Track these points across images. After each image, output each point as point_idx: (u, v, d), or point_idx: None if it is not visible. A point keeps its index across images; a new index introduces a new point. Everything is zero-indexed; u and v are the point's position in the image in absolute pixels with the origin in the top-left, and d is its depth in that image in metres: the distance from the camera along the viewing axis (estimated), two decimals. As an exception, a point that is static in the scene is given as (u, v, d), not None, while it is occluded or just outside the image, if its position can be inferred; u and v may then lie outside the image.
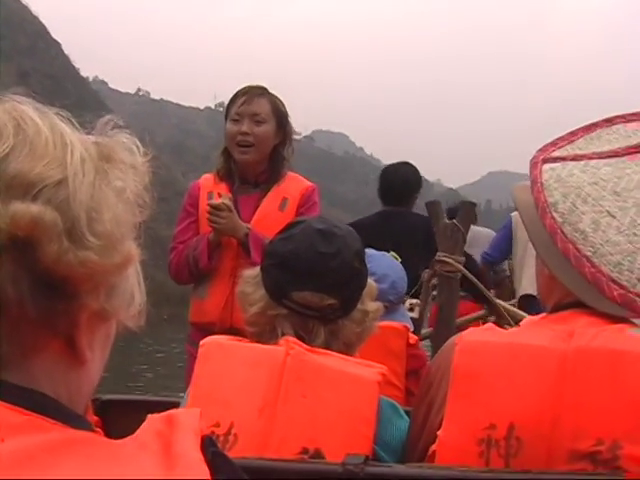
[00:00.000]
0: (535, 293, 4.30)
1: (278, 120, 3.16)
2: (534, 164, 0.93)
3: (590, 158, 0.92)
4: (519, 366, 1.38)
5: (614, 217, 0.81)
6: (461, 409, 1.40)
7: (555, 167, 0.92)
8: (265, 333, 1.67)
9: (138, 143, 0.83)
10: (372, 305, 1.74)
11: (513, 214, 4.94)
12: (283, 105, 3.22)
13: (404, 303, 3.51)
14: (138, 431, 0.71)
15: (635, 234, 0.79)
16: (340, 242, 1.67)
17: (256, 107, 3.13)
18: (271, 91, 3.24)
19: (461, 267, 3.25)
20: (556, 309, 1.51)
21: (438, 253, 3.32)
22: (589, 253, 0.79)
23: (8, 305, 0.69)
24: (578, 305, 1.41)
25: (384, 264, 2.81)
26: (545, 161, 0.93)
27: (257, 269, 1.74)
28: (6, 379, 0.71)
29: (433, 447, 1.44)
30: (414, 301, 3.58)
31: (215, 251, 3.06)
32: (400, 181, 4.43)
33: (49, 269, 0.69)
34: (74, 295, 0.72)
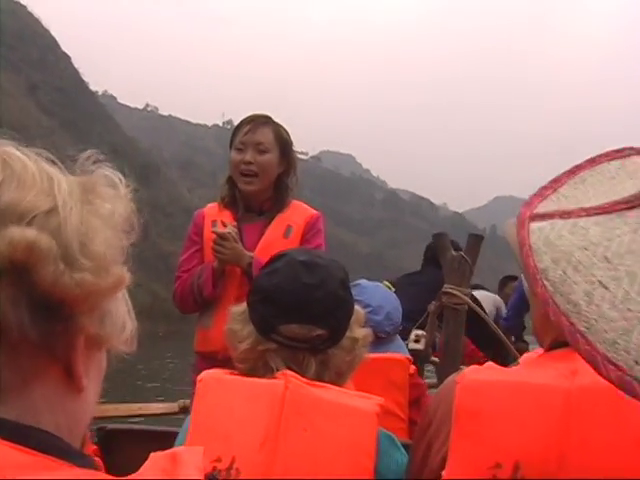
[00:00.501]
0: None
1: (282, 149, 3.16)
2: (521, 222, 0.91)
3: (578, 216, 0.90)
4: (523, 404, 1.37)
5: (607, 289, 0.79)
6: (465, 448, 1.39)
7: (543, 227, 0.90)
8: (258, 369, 1.66)
9: (120, 176, 0.84)
10: (361, 332, 1.74)
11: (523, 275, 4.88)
12: (287, 134, 3.22)
13: (409, 334, 3.52)
14: (142, 469, 0.71)
15: (629, 309, 0.77)
16: (323, 272, 1.68)
17: (260, 136, 3.13)
18: (277, 119, 3.25)
19: (468, 299, 3.25)
20: (554, 346, 1.49)
21: (445, 285, 3.32)
22: (583, 329, 0.77)
23: (9, 329, 0.70)
24: None
25: (378, 295, 2.81)
26: (532, 219, 0.92)
27: (244, 305, 1.74)
28: (7, 410, 0.72)
29: None
30: (420, 332, 3.57)
31: (219, 279, 3.06)
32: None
33: (47, 292, 0.70)
34: (71, 317, 0.74)
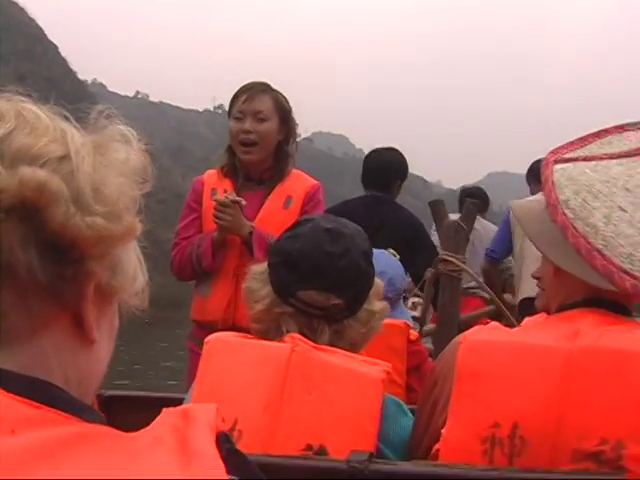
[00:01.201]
0: (534, 295, 4.28)
1: (281, 116, 3.14)
2: (545, 164, 0.94)
3: (601, 159, 0.93)
4: (524, 365, 1.38)
5: (625, 211, 0.82)
6: (465, 408, 1.41)
7: (566, 167, 0.93)
8: (270, 330, 1.67)
9: (133, 131, 0.85)
10: (378, 305, 1.74)
11: (511, 204, 4.88)
12: (286, 101, 3.19)
13: (406, 301, 3.50)
14: (153, 424, 0.71)
15: None
16: (348, 242, 1.67)
17: (258, 104, 3.10)
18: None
19: (464, 266, 3.25)
20: (561, 309, 1.51)
21: (441, 252, 3.32)
22: (600, 246, 0.80)
23: (18, 269, 0.70)
24: (583, 304, 1.43)
25: (382, 261, 2.80)
26: (556, 162, 0.94)
27: (264, 265, 1.74)
28: (15, 358, 0.72)
29: (437, 445, 1.44)
30: (416, 300, 3.57)
31: (219, 250, 3.04)
32: (384, 165, 4.27)
33: (57, 232, 0.71)
34: (81, 260, 0.74)
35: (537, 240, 1.45)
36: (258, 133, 3.09)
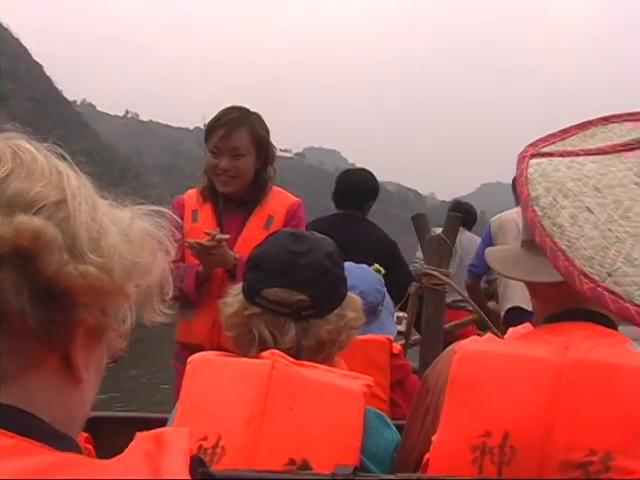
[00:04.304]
0: (519, 304, 4.28)
1: (258, 148, 3.10)
2: (522, 158, 0.94)
3: (577, 155, 0.92)
4: (516, 376, 1.39)
5: (592, 213, 0.82)
6: (457, 416, 1.41)
7: (541, 162, 0.93)
8: (243, 336, 1.70)
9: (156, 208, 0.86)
10: (352, 314, 1.76)
11: (492, 220, 4.91)
12: (263, 128, 3.15)
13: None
14: (126, 451, 0.71)
15: (610, 230, 0.79)
16: (311, 242, 1.73)
17: (235, 141, 3.07)
18: (253, 109, 3.18)
19: (448, 280, 3.24)
20: (551, 320, 1.53)
21: (425, 266, 3.32)
22: (564, 247, 0.80)
23: (10, 315, 0.70)
24: (572, 316, 1.47)
25: (354, 275, 2.80)
26: (533, 156, 0.94)
27: (240, 283, 1.79)
28: (3, 398, 0.72)
29: (428, 455, 1.44)
30: (401, 314, 3.57)
31: (203, 282, 3.05)
32: (356, 184, 4.44)
33: (50, 280, 0.71)
34: (72, 307, 0.74)
35: (499, 267, 1.47)
36: (236, 169, 3.08)
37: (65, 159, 0.81)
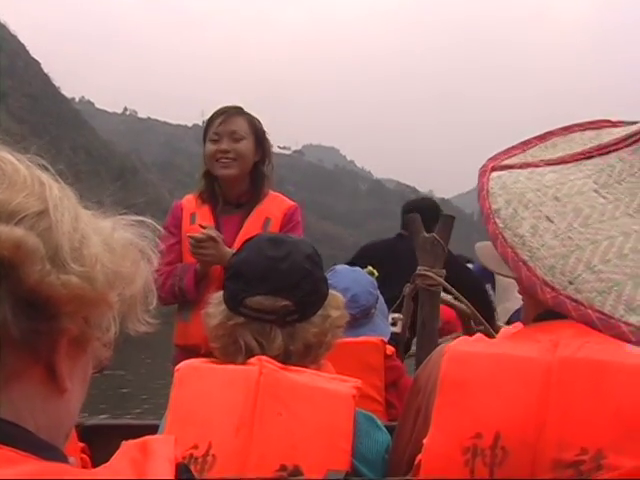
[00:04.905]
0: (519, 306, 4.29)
1: (256, 137, 3.17)
2: (482, 172, 0.94)
3: (537, 166, 0.92)
4: (506, 376, 1.39)
5: (552, 222, 0.82)
6: (448, 417, 1.41)
7: (502, 175, 0.93)
8: (228, 346, 1.68)
9: (149, 248, 0.86)
10: (335, 312, 1.75)
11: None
12: (260, 123, 3.23)
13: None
14: (112, 459, 0.71)
15: (570, 237, 0.79)
16: (289, 246, 1.71)
17: (234, 125, 3.14)
18: (258, 114, 3.25)
19: (442, 280, 3.23)
20: (541, 318, 1.52)
21: (418, 267, 3.31)
22: (526, 257, 0.80)
23: None
24: (559, 315, 1.44)
25: (348, 278, 2.81)
26: (494, 169, 0.94)
27: (220, 292, 1.76)
28: None
29: (419, 457, 1.44)
30: (396, 315, 3.57)
31: (201, 280, 3.06)
32: (418, 209, 4.46)
33: (32, 290, 0.71)
34: (55, 317, 0.74)
35: (487, 262, 1.46)
36: (235, 151, 3.12)
37: (47, 170, 0.81)
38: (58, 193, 0.78)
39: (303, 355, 1.67)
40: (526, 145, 1.01)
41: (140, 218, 0.88)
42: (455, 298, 3.46)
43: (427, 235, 3.34)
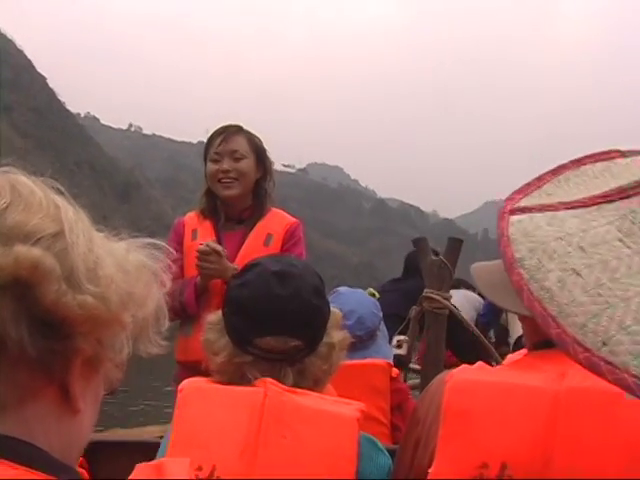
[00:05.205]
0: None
1: (257, 155, 3.18)
2: (501, 215, 0.93)
3: (556, 209, 0.91)
4: (511, 406, 1.37)
5: (579, 276, 0.80)
6: (453, 447, 1.39)
7: (522, 219, 0.91)
8: (234, 379, 1.65)
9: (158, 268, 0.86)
10: (338, 335, 1.72)
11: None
12: (260, 141, 3.25)
13: (391, 340, 3.49)
14: None
15: (599, 294, 0.77)
16: (297, 282, 1.66)
17: (234, 144, 3.15)
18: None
19: (448, 304, 3.23)
20: (538, 346, 1.51)
21: (425, 290, 3.30)
22: (554, 313, 0.78)
23: (8, 344, 0.71)
24: None
25: (352, 300, 2.80)
26: (512, 212, 0.93)
27: (219, 314, 1.72)
28: (0, 424, 0.73)
29: None
30: (401, 337, 3.56)
31: (202, 294, 3.05)
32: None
33: (48, 310, 0.71)
34: (70, 337, 0.74)
35: (491, 294, 1.46)
36: (237, 171, 3.13)
37: (62, 193, 0.81)
38: (73, 216, 0.79)
39: (312, 388, 1.65)
40: (540, 181, 1.00)
41: (152, 240, 0.88)
42: (462, 326, 3.44)
43: (434, 258, 3.34)
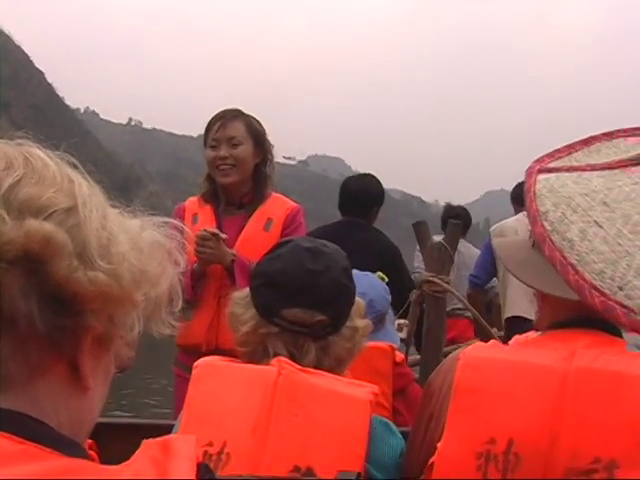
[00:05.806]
0: (520, 314, 4.27)
1: (255, 139, 3.19)
2: (529, 173, 0.94)
3: (584, 170, 0.92)
4: (521, 383, 1.39)
5: (601, 227, 0.82)
6: (462, 423, 1.41)
7: (549, 178, 0.93)
8: (257, 352, 1.68)
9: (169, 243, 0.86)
10: (360, 322, 1.75)
11: (492, 229, 4.88)
12: (259, 124, 3.25)
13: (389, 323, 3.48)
14: (133, 457, 0.71)
15: (619, 244, 0.79)
16: (328, 259, 1.70)
17: (231, 131, 3.16)
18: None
19: (449, 287, 3.23)
20: (553, 326, 1.52)
21: (425, 273, 3.31)
22: (574, 261, 0.79)
23: (18, 319, 0.71)
24: (577, 324, 1.46)
25: (364, 283, 2.79)
26: (540, 171, 0.94)
27: (246, 290, 1.75)
28: (10, 401, 0.73)
29: (432, 459, 1.44)
30: (402, 321, 3.56)
31: (200, 279, 3.08)
32: (360, 191, 4.32)
33: (59, 285, 0.71)
34: (80, 313, 0.74)
35: (518, 272, 1.46)
36: (234, 157, 3.14)
37: (76, 167, 0.81)
38: (87, 190, 0.78)
39: (334, 368, 1.67)
40: (571, 149, 1.01)
41: (168, 219, 0.88)
42: (465, 307, 3.44)
43: (435, 241, 3.34)
